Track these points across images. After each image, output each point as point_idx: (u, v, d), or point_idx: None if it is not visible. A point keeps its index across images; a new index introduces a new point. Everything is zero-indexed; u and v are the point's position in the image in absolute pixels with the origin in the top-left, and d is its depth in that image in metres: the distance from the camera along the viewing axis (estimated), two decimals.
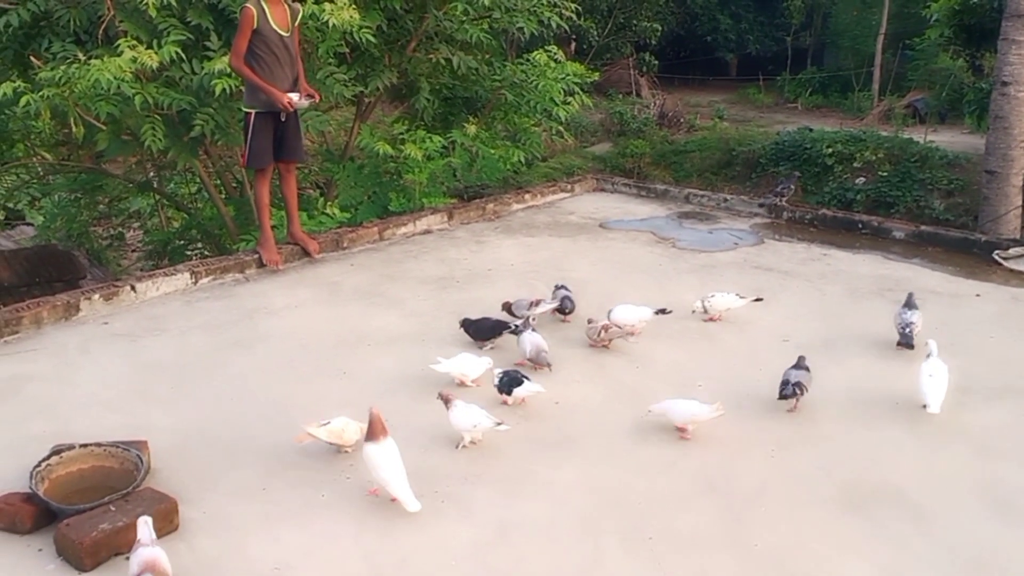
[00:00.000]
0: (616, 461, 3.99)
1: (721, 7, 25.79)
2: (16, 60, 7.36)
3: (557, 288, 5.71)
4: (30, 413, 4.30)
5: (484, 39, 8.45)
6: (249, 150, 6.20)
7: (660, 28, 21.41)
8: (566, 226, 8.08)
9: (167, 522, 3.35)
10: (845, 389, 4.68)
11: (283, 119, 6.19)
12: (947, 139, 14.79)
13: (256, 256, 6.51)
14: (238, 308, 5.81)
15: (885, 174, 13.38)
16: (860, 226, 8.04)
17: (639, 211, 8.68)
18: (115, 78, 6.20)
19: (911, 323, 5.19)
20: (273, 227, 6.72)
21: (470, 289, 6.24)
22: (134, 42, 6.45)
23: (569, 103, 9.02)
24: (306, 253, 6.77)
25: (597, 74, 11.57)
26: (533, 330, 4.90)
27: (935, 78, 19.17)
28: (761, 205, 8.69)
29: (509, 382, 4.37)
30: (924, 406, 4.37)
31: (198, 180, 9.26)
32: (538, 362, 4.76)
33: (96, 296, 5.68)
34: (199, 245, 9.82)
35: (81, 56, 6.42)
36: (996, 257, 7.05)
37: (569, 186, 9.46)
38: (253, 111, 6.09)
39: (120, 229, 11.53)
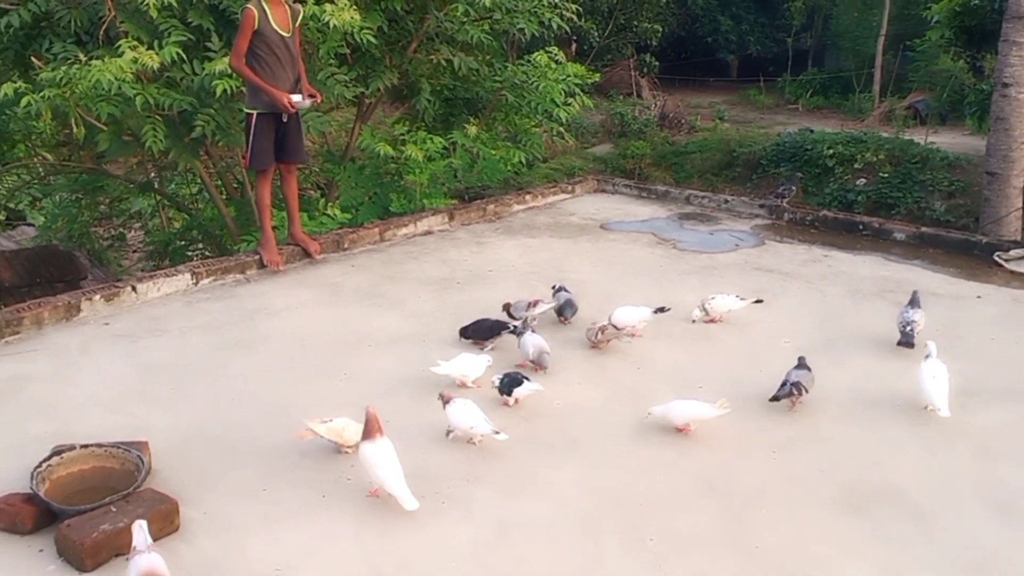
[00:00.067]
0: (616, 462, 4.00)
1: (722, 8, 25.84)
2: (17, 61, 7.37)
3: (555, 289, 5.71)
4: (31, 413, 4.31)
5: (485, 40, 8.46)
6: (250, 151, 6.20)
7: (661, 29, 21.46)
8: (567, 227, 8.07)
9: (168, 523, 3.35)
10: (846, 390, 4.68)
11: (284, 120, 6.20)
12: (948, 140, 14.81)
13: (257, 257, 6.51)
14: (239, 309, 5.82)
15: (886, 175, 13.39)
16: (861, 227, 8.04)
17: (640, 212, 8.68)
18: (116, 79, 6.21)
19: (913, 321, 5.18)
20: (274, 228, 6.72)
21: (471, 290, 6.24)
22: (135, 43, 6.46)
23: (570, 104, 9.04)
24: (307, 254, 6.77)
25: (598, 75, 11.57)
26: (533, 331, 4.91)
27: (936, 79, 19.21)
28: (762, 206, 8.68)
29: (509, 383, 4.37)
30: (927, 407, 4.37)
31: (199, 181, 9.27)
32: (540, 363, 4.77)
33: (97, 297, 5.68)
34: (200, 246, 9.82)
35: (82, 57, 6.42)
36: (997, 259, 7.04)
37: (570, 187, 9.46)
38: (254, 112, 6.09)
39: (121, 230, 11.55)
